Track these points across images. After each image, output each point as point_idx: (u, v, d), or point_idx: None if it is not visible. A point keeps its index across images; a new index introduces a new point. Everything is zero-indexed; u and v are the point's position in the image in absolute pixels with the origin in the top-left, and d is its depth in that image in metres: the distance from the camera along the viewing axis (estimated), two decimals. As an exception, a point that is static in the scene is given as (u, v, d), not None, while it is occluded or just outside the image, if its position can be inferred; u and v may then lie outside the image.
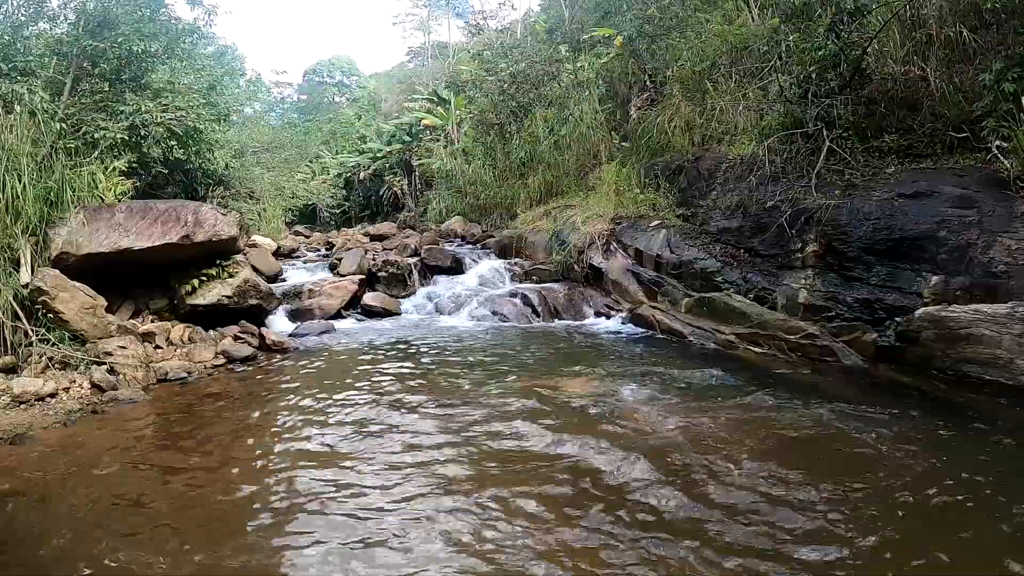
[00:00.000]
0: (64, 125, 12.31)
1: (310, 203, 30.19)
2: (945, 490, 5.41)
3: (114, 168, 12.95)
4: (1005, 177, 8.65)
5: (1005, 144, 8.77)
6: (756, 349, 10.16)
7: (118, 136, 13.10)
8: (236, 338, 11.57)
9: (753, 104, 12.35)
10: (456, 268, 16.97)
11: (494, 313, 13.90)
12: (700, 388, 8.43)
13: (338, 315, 14.49)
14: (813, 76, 10.61)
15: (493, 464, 6.47)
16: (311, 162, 34.48)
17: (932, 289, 8.47)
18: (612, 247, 14.31)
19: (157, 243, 11.53)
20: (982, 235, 8.34)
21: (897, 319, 8.70)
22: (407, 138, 32.02)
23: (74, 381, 9.16)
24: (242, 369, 10.47)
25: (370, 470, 6.40)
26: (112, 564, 4.85)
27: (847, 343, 9.24)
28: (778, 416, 7.19)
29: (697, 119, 13.81)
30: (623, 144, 17.01)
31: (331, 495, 5.91)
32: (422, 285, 16.37)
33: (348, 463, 6.59)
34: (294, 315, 14.16)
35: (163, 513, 5.64)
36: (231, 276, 12.66)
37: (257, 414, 8.24)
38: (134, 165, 13.94)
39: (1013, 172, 8.58)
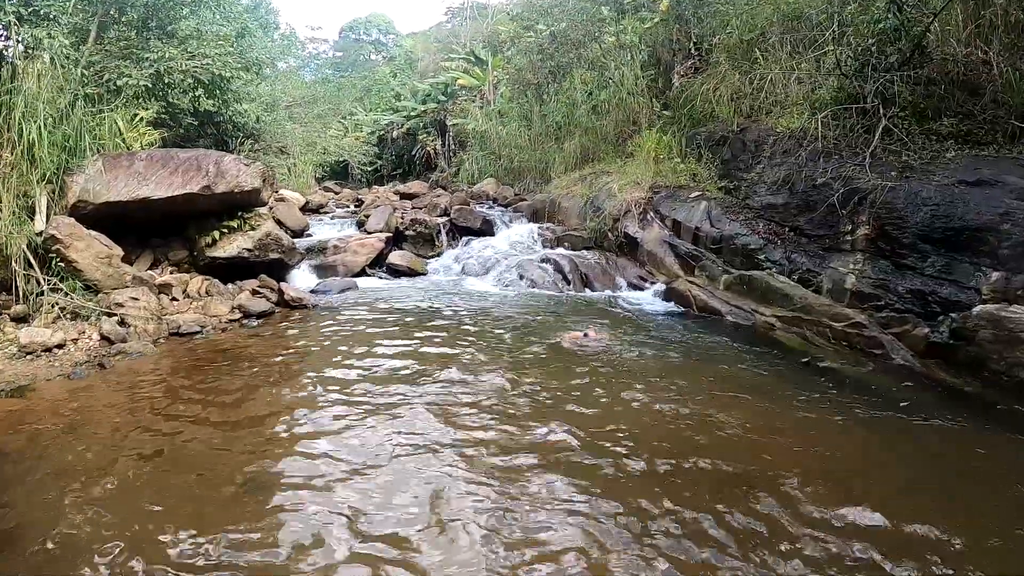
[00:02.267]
0: (86, 72, 11.95)
1: (342, 160, 30.01)
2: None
3: (141, 118, 12.67)
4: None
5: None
6: (797, 334, 9.66)
7: (141, 84, 12.73)
8: (254, 292, 11.28)
9: (804, 76, 11.72)
10: (486, 230, 16.66)
11: (523, 278, 13.55)
12: (745, 378, 7.91)
13: (363, 273, 14.30)
14: (872, 49, 9.98)
15: (508, 428, 6.24)
16: (344, 119, 34.30)
17: (991, 286, 7.82)
18: (649, 217, 13.82)
19: (177, 193, 11.24)
20: (1049, 233, 7.72)
21: (952, 315, 8.07)
22: (442, 98, 31.59)
23: (83, 332, 8.90)
24: (257, 324, 10.23)
25: (374, 433, 6.17)
26: (93, 529, 4.61)
27: (896, 336, 8.65)
28: (837, 420, 6.65)
29: (744, 89, 13.21)
30: (664, 112, 16.42)
31: (337, 456, 5.67)
32: (450, 246, 16.18)
33: (355, 426, 6.33)
34: (318, 271, 13.98)
35: (159, 473, 5.41)
36: (253, 229, 12.38)
37: (266, 372, 7.97)
38: (163, 116, 13.72)
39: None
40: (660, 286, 12.60)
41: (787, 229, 10.88)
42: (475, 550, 4.38)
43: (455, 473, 5.35)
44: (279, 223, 14.36)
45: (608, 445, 5.88)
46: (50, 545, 4.42)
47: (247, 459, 5.61)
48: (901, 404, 7.04)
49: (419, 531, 4.56)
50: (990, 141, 9.17)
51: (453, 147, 29.82)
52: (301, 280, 13.34)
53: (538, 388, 7.30)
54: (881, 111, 9.77)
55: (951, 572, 4.20)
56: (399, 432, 6.11)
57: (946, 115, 9.66)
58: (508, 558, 4.30)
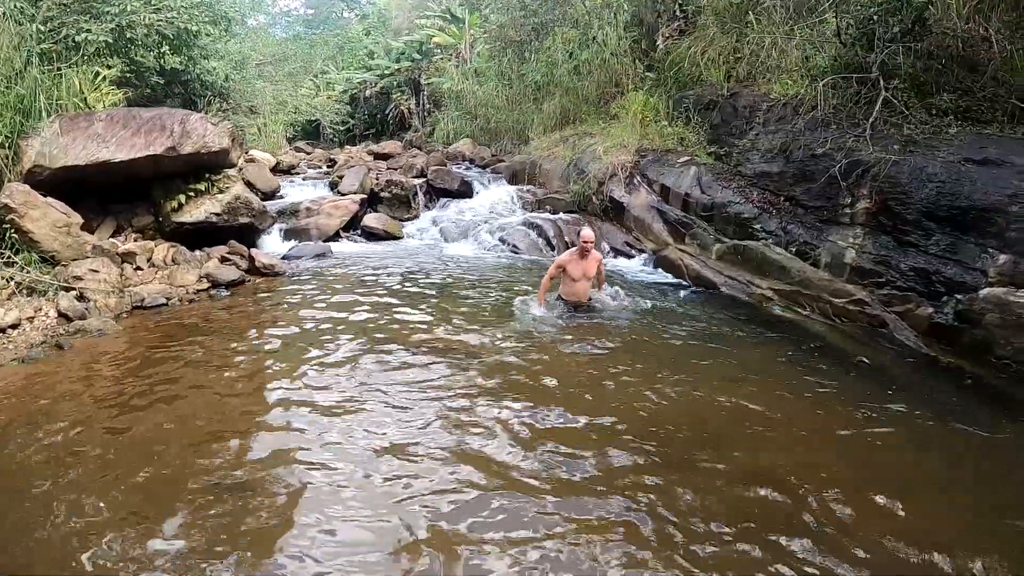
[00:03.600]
0: (42, 28, 11.24)
1: (314, 119, 29.49)
2: None
3: (103, 76, 11.99)
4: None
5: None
6: (796, 309, 9.37)
7: (102, 39, 12.02)
8: (223, 260, 10.84)
9: (801, 42, 11.30)
10: (464, 192, 16.35)
11: (505, 243, 13.31)
12: (747, 359, 7.54)
13: (336, 236, 13.98)
14: (875, 18, 9.63)
15: (500, 409, 5.91)
16: (316, 77, 33.62)
17: (999, 268, 7.52)
18: (635, 181, 13.43)
19: (139, 155, 10.66)
20: (1058, 218, 7.44)
21: (957, 296, 7.80)
22: (417, 56, 30.98)
23: (40, 309, 8.32)
24: (227, 294, 9.83)
25: (354, 418, 5.77)
26: (47, 534, 4.19)
27: (899, 315, 8.37)
28: (845, 410, 6.26)
29: (736, 53, 12.86)
30: (647, 74, 16.03)
31: (311, 449, 5.27)
32: (427, 208, 15.90)
33: (332, 410, 5.91)
34: (290, 235, 13.58)
35: (121, 471, 4.91)
36: (221, 192, 11.84)
37: (238, 349, 7.53)
38: (128, 74, 13.09)
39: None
40: (649, 254, 12.28)
41: (782, 199, 10.52)
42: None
43: (445, 464, 4.97)
44: (249, 185, 13.88)
45: (607, 426, 5.61)
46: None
47: (216, 460, 5.11)
48: (909, 390, 6.73)
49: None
50: (990, 119, 8.85)
51: (428, 107, 29.37)
52: (272, 245, 12.94)
53: (528, 365, 6.95)
54: (882, 82, 9.40)
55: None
56: (385, 416, 5.74)
57: (945, 90, 9.32)
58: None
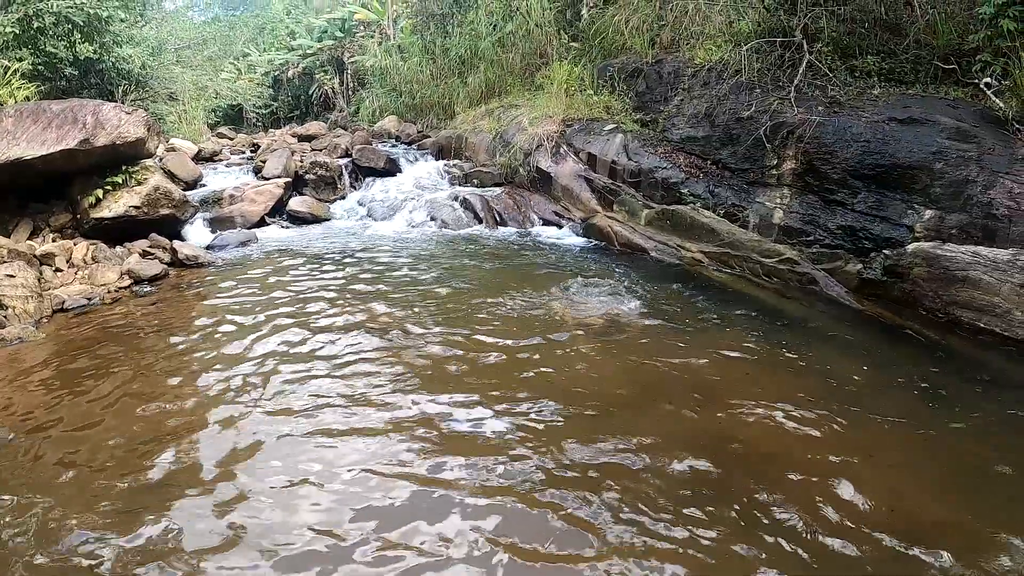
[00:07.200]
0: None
1: (236, 104, 28.84)
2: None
3: (14, 70, 11.57)
4: (1000, 116, 7.99)
5: (996, 83, 8.22)
6: (726, 271, 9.56)
7: (8, 30, 11.58)
8: (144, 254, 10.49)
9: (723, 7, 11.41)
10: (390, 170, 16.02)
11: (432, 219, 13.16)
12: (685, 322, 7.65)
13: (262, 222, 13.59)
14: (797, -17, 9.78)
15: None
16: (237, 60, 32.94)
17: (925, 224, 7.82)
18: (562, 150, 13.40)
19: (53, 150, 10.21)
20: (982, 173, 7.61)
21: (885, 252, 8.07)
22: (339, 34, 30.44)
23: (-43, 324, 7.90)
24: (150, 290, 9.45)
25: (294, 420, 5.55)
26: None
27: (828, 272, 8.62)
28: (796, 367, 6.49)
29: (660, 20, 12.92)
30: (572, 44, 16.01)
31: (249, 460, 5.03)
32: (353, 188, 15.59)
33: (270, 410, 5.73)
34: (214, 224, 13.13)
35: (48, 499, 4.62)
36: (140, 184, 11.40)
37: (163, 350, 7.23)
38: (39, 67, 12.56)
39: (1011, 112, 7.92)
40: (577, 222, 12.37)
41: (709, 163, 10.65)
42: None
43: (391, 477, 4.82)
44: (170, 175, 13.45)
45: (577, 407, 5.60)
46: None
47: (140, 477, 4.86)
48: (841, 343, 7.06)
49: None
50: (913, 81, 9.10)
51: (352, 85, 28.92)
52: (196, 235, 12.53)
53: (472, 348, 6.90)
54: (806, 46, 9.62)
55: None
56: (322, 415, 5.60)
57: (869, 53, 9.54)
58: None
